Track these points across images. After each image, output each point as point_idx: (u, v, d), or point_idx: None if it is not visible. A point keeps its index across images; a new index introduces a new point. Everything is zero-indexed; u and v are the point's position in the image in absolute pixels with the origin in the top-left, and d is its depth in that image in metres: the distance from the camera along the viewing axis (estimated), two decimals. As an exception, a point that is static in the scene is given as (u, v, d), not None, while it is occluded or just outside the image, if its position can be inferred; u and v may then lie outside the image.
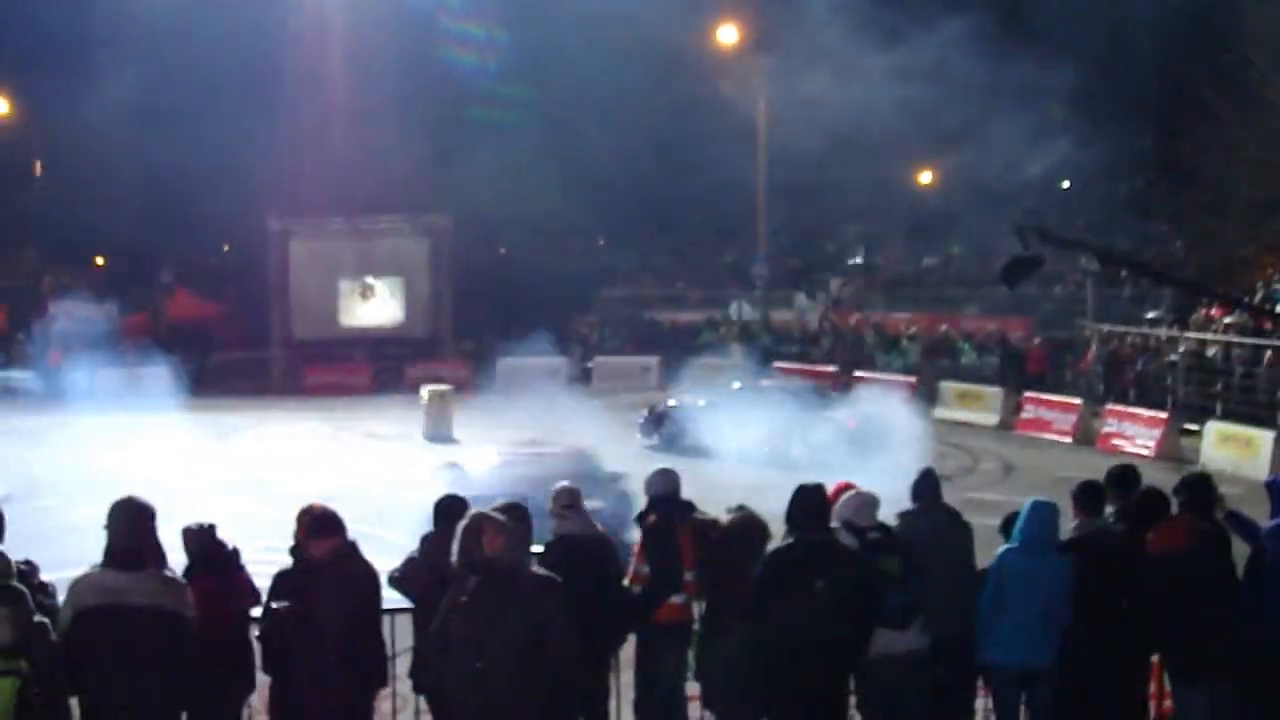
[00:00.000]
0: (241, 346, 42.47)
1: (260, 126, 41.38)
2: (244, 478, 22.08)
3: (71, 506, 18.18)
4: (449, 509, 8.28)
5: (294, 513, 7.93)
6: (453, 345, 42.56)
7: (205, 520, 7.96)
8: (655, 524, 8.93)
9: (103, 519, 7.03)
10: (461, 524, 6.70)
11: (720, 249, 56.59)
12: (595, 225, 55.89)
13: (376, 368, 40.65)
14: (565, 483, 8.89)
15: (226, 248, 55.76)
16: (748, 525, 8.24)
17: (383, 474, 22.85)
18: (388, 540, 13.97)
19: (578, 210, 48.75)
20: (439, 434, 28.35)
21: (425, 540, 8.46)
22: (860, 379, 33.27)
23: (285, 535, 7.89)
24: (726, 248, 55.90)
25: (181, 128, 42.34)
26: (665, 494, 9.11)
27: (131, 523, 6.98)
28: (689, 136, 47.27)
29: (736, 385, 28.87)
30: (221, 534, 7.99)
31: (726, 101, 42.86)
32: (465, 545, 6.59)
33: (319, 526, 7.41)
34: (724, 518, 8.51)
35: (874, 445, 20.79)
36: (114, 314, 38.68)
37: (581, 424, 27.35)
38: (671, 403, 28.35)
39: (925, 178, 52.75)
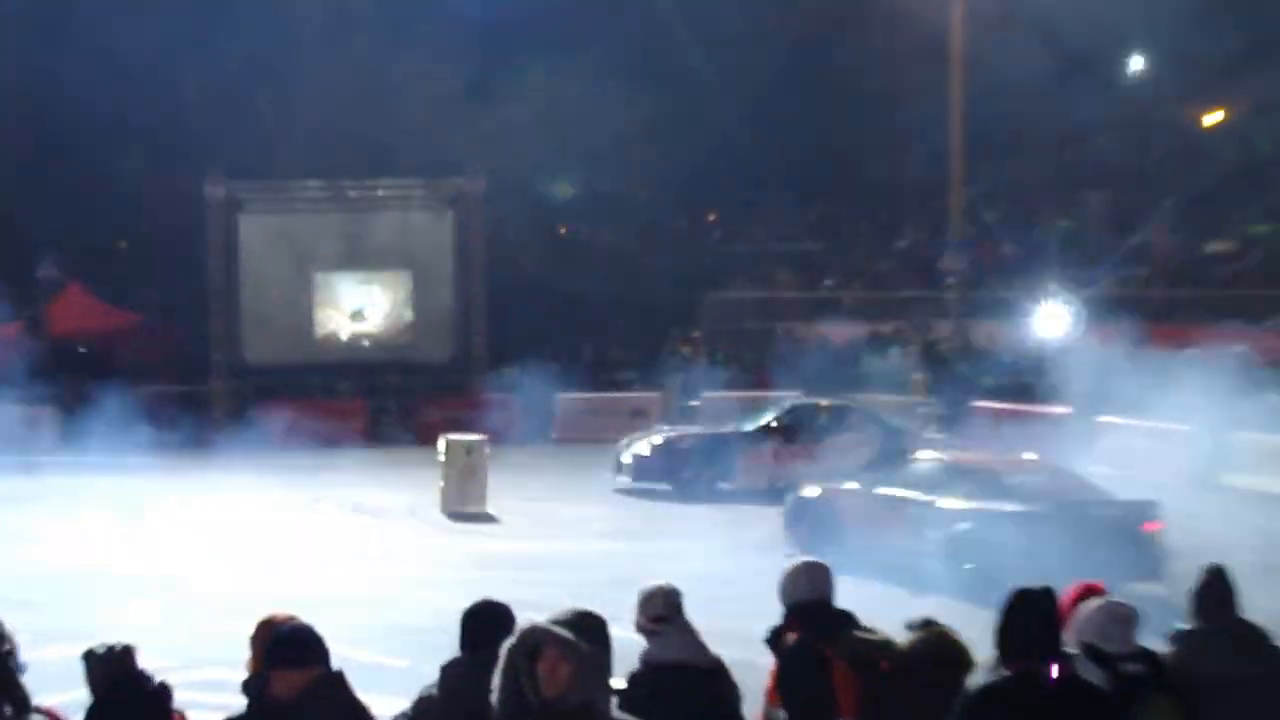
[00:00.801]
0: (167, 374, 42.86)
1: (197, 47, 41.85)
2: (170, 575, 22.25)
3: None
4: (485, 622, 8.27)
5: (248, 629, 7.98)
6: (487, 373, 42.71)
7: (117, 641, 8.01)
8: (797, 647, 8.89)
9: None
10: (506, 645, 6.67)
11: (892, 230, 56.35)
12: (702, 195, 55.81)
13: (372, 407, 40.96)
14: (659, 583, 8.88)
15: (144, 228, 56.44)
16: (937, 650, 8.18)
17: (381, 568, 22.97)
18: (390, 669, 14.07)
19: (676, 172, 48.76)
20: (463, 507, 28.38)
21: (449, 669, 8.47)
22: (1106, 423, 33.05)
23: (236, 662, 7.93)
24: (901, 228, 55.66)
25: (77, 46, 42.83)
26: (811, 601, 9.06)
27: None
28: (846, 63, 47.14)
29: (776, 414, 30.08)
30: (142, 661, 8.05)
31: (903, 9, 42.76)
32: (513, 677, 6.57)
33: (287, 650, 7.40)
34: (900, 638, 8.45)
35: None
36: None
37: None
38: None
39: (1211, 119, 52.14)
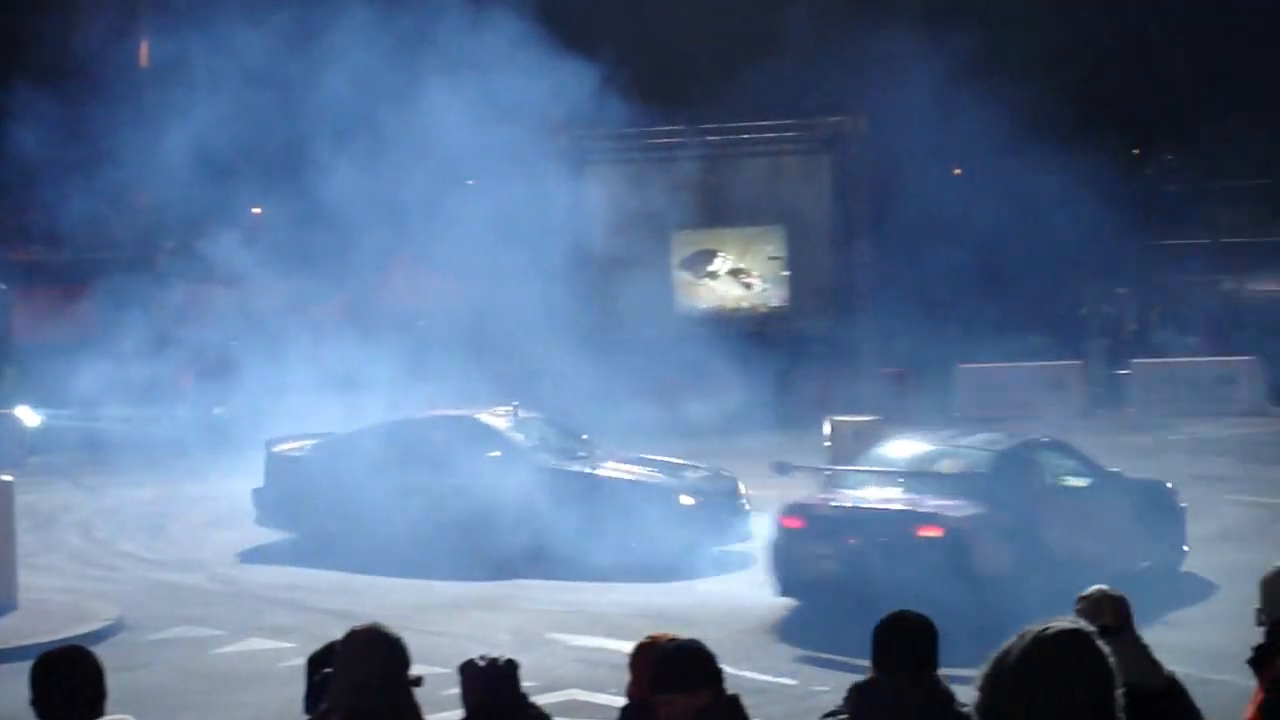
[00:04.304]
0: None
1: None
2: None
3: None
4: (901, 637, 8.24)
5: (615, 648, 8.32)
6: (875, 342, 42.54)
7: (500, 654, 8.26)
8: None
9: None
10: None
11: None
12: (1129, 123, 54.78)
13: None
14: (1103, 588, 8.53)
15: (472, 182, 57.26)
16: None
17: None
18: (777, 690, 14.34)
19: (1096, 97, 47.93)
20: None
21: (862, 690, 8.48)
22: None
23: (602, 684, 8.26)
24: None
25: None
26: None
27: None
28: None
29: None
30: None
31: None
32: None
33: (673, 671, 7.55)
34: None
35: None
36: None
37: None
38: None
39: None
